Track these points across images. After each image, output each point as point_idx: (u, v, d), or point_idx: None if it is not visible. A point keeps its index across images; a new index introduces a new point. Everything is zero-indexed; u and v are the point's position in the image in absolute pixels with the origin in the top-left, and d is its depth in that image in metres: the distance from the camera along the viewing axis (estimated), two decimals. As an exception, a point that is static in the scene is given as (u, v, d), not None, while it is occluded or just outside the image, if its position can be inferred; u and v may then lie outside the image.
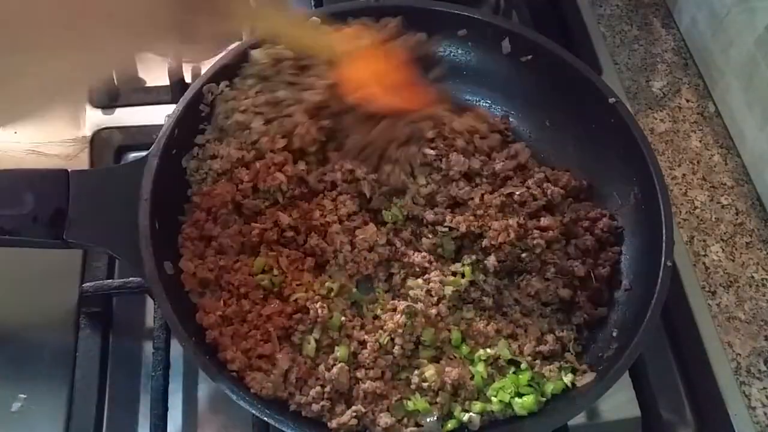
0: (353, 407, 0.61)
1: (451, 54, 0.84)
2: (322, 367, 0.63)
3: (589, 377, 0.64)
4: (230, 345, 0.62)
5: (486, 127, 0.79)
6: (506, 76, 0.83)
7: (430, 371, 0.62)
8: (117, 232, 0.65)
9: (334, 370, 0.62)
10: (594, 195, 0.77)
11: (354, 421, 0.60)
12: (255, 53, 0.76)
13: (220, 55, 0.76)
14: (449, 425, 0.62)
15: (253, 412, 0.58)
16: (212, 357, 0.62)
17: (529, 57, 0.80)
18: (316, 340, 0.64)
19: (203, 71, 0.76)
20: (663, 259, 0.65)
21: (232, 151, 0.72)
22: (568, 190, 0.75)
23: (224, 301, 0.65)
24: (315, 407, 0.60)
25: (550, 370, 0.65)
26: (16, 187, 0.65)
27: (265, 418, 0.58)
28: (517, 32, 0.81)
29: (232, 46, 0.77)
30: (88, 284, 0.72)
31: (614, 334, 0.67)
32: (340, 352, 0.63)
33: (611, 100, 0.74)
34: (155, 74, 0.92)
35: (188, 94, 0.73)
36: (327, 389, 0.61)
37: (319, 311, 0.64)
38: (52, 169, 0.68)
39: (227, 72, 0.75)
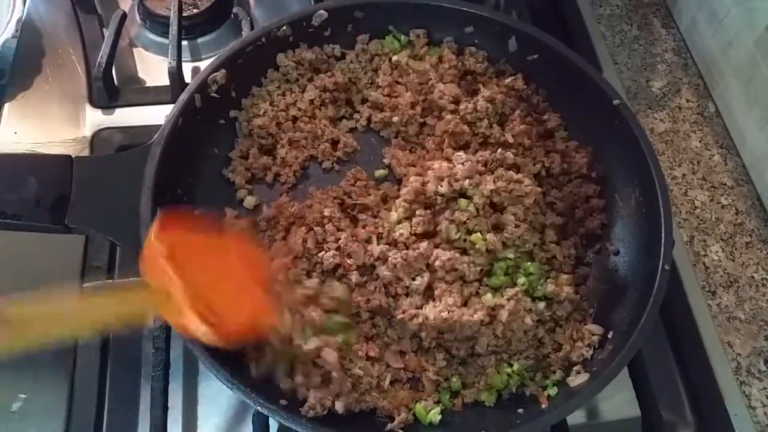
0: None
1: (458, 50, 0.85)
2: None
3: (583, 377, 0.64)
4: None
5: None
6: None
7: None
8: (118, 219, 0.65)
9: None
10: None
11: None
12: (280, 57, 0.81)
13: (222, 51, 0.78)
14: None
15: (269, 415, 0.58)
16: (211, 352, 0.61)
17: (536, 56, 0.81)
18: None
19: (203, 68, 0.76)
20: (661, 261, 0.64)
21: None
22: (571, 167, 0.77)
23: None
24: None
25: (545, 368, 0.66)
26: (21, 172, 0.65)
27: (264, 411, 0.58)
28: (524, 31, 0.81)
29: (232, 44, 0.78)
30: (88, 284, 0.72)
31: (609, 335, 0.67)
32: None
33: (615, 101, 0.74)
34: (155, 74, 0.93)
35: (193, 84, 0.74)
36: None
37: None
38: (56, 154, 0.68)
39: (230, 63, 0.76)
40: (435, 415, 0.63)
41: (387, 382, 0.64)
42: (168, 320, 0.50)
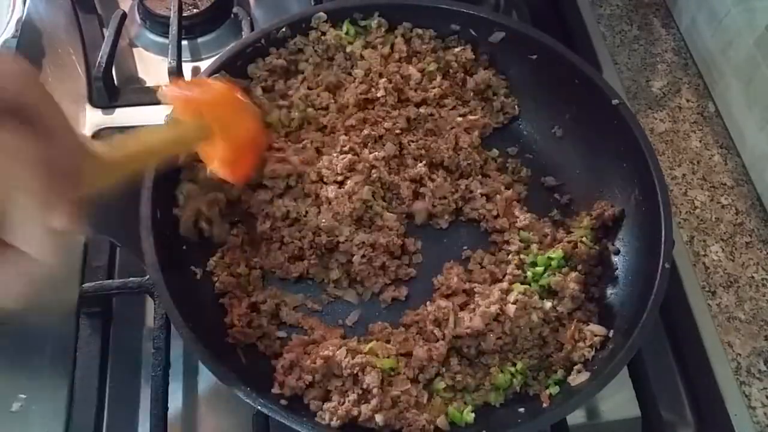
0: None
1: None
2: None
3: (584, 377, 0.64)
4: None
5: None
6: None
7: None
8: (119, 221, 0.65)
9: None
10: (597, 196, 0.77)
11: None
12: (251, 68, 0.79)
13: (222, 52, 0.78)
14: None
15: (269, 415, 0.58)
16: (211, 347, 0.61)
17: (534, 56, 0.81)
18: None
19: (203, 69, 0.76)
20: (661, 260, 0.64)
21: None
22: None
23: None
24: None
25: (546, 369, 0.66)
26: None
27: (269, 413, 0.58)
28: (522, 32, 0.81)
29: (232, 45, 0.78)
30: (88, 284, 0.72)
31: (610, 334, 0.67)
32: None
33: (614, 101, 0.74)
34: (155, 74, 0.93)
35: None
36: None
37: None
38: None
39: (229, 65, 0.76)
40: (468, 414, 0.63)
41: (425, 399, 0.64)
42: (200, 150, 0.62)
